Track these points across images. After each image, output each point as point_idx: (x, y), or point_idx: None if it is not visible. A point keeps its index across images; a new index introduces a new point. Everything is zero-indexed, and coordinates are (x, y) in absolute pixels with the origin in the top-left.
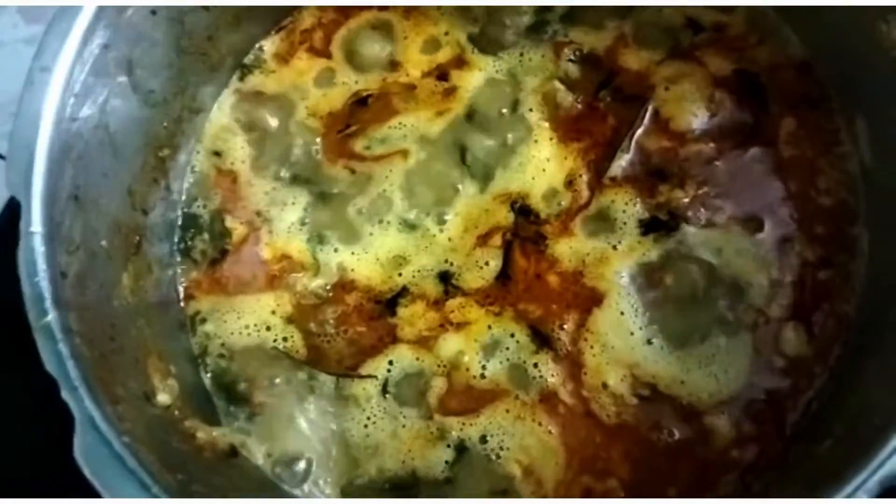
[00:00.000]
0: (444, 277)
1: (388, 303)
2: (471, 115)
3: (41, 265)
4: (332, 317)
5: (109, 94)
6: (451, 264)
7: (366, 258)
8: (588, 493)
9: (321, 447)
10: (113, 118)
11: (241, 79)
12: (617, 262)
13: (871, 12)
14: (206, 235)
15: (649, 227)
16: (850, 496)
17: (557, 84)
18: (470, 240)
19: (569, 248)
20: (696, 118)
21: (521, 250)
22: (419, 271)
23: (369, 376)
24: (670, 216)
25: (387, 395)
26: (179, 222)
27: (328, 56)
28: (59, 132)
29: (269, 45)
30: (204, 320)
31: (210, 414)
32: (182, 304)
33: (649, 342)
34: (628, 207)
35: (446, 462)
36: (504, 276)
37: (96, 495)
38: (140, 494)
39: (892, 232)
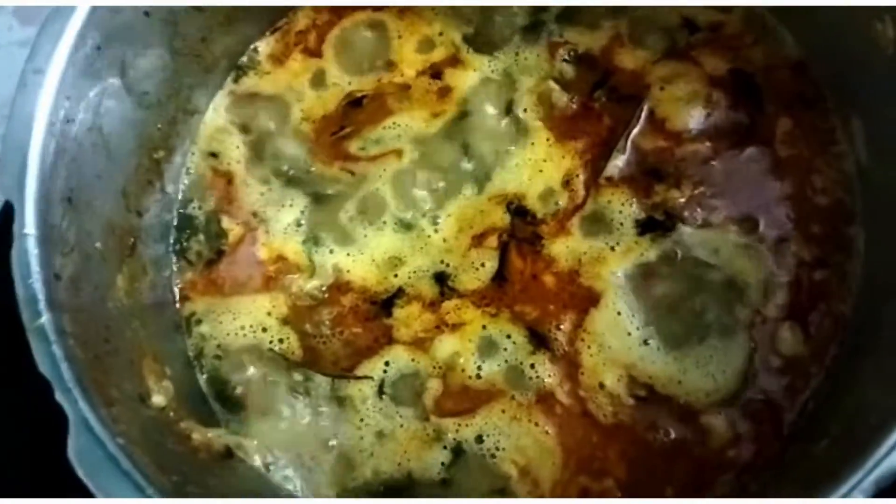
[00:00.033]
0: (440, 278)
1: (384, 304)
2: (466, 116)
3: (35, 267)
4: (328, 318)
5: (103, 96)
6: (447, 265)
7: (361, 259)
8: (585, 493)
9: (317, 448)
10: (107, 120)
11: (236, 80)
12: (613, 262)
13: (866, 12)
14: (201, 236)
15: (646, 227)
16: (846, 496)
17: (552, 84)
18: (465, 240)
19: (565, 248)
20: (692, 118)
21: (517, 251)
22: (415, 272)
23: (365, 377)
24: (667, 216)
25: (383, 397)
26: (175, 223)
27: (322, 57)
28: (53, 134)
29: (264, 47)
30: (199, 322)
31: (205, 415)
32: (177, 305)
33: (646, 342)
34: (624, 208)
35: (442, 463)
36: (500, 277)
37: (90, 496)
38: (134, 496)
39: (889, 231)
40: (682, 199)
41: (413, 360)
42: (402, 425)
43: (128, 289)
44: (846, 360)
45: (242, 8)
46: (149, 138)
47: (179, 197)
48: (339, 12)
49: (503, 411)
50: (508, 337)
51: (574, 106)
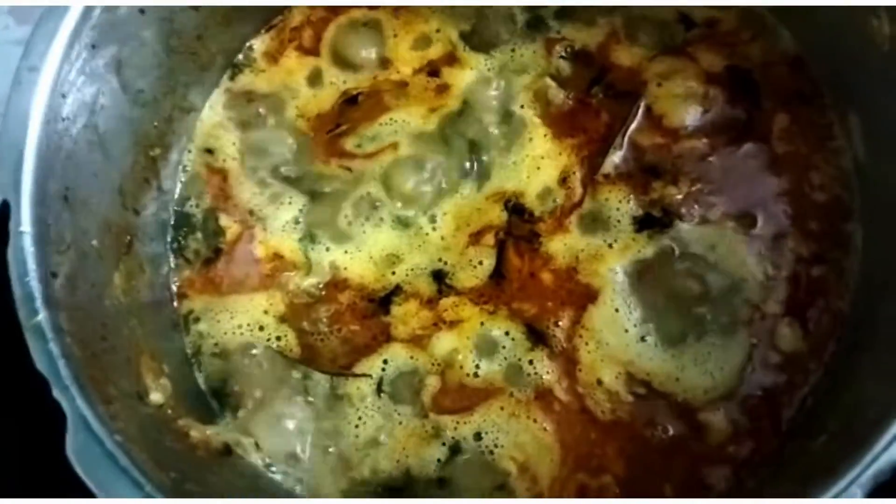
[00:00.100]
0: (438, 276)
1: (382, 301)
2: (463, 113)
3: (31, 265)
4: (326, 315)
5: (98, 94)
6: (445, 263)
7: (359, 256)
8: (583, 490)
9: (315, 446)
10: (102, 118)
11: (232, 78)
12: (611, 259)
13: (863, 8)
14: (199, 234)
15: (643, 224)
16: (844, 491)
17: (549, 81)
18: (462, 238)
19: (563, 245)
20: (689, 114)
21: (514, 249)
22: (412, 270)
23: (364, 375)
24: (664, 213)
25: (381, 394)
26: (172, 221)
27: (317, 55)
28: (48, 132)
29: (259, 44)
30: (197, 319)
31: (203, 413)
32: (175, 303)
33: (643, 339)
34: (622, 204)
35: (440, 460)
36: (498, 274)
37: (89, 494)
38: (133, 493)
39: (886, 228)
40: (680, 196)
41: (411, 357)
42: (400, 423)
43: (125, 287)
44: (844, 356)
45: (238, 6)
46: (145, 136)
47: (176, 195)
48: (334, 10)
49: (501, 408)
50: (507, 334)
51: (571, 103)
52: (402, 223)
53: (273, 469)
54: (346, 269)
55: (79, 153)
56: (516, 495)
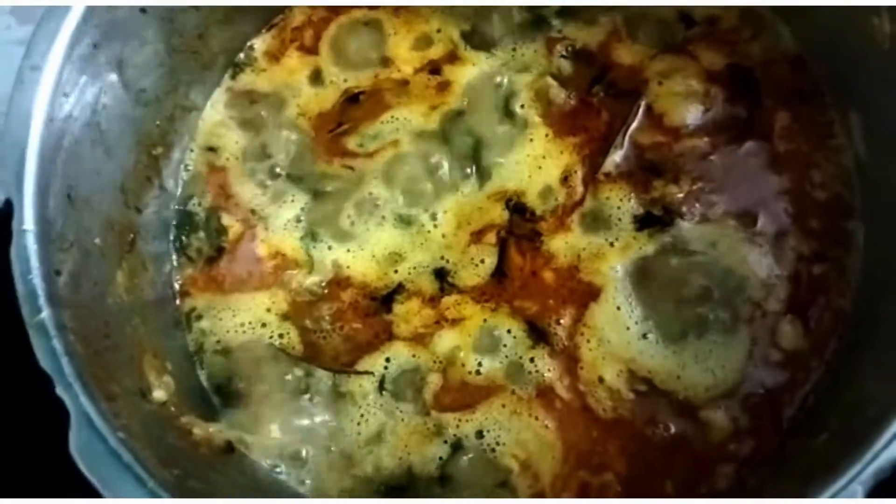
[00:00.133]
0: (440, 274)
1: (384, 299)
2: (464, 112)
3: (34, 263)
4: (328, 313)
5: (100, 93)
6: (447, 261)
7: (361, 255)
8: (585, 487)
9: (318, 443)
10: (104, 117)
11: (233, 77)
12: (612, 258)
13: (863, 6)
14: (201, 233)
15: (644, 222)
16: (844, 488)
17: (550, 80)
18: (464, 237)
19: (564, 244)
20: (690, 113)
21: (516, 247)
22: (415, 268)
23: (366, 372)
24: (665, 211)
25: (383, 392)
26: (174, 220)
27: (318, 54)
28: (51, 131)
29: (260, 44)
30: (200, 317)
31: (206, 410)
32: (177, 301)
33: (645, 337)
34: (623, 203)
35: (440, 458)
36: (500, 273)
37: (92, 490)
38: (136, 489)
39: (887, 226)
40: (681, 195)
41: (413, 355)
42: (402, 420)
43: (128, 285)
44: (846, 354)
45: (239, 5)
46: (147, 135)
47: (178, 193)
48: (334, 9)
49: (503, 406)
50: (508, 332)
51: (572, 102)
52: (404, 221)
53: (275, 467)
54: (348, 267)
55: (81, 152)
56: (518, 493)
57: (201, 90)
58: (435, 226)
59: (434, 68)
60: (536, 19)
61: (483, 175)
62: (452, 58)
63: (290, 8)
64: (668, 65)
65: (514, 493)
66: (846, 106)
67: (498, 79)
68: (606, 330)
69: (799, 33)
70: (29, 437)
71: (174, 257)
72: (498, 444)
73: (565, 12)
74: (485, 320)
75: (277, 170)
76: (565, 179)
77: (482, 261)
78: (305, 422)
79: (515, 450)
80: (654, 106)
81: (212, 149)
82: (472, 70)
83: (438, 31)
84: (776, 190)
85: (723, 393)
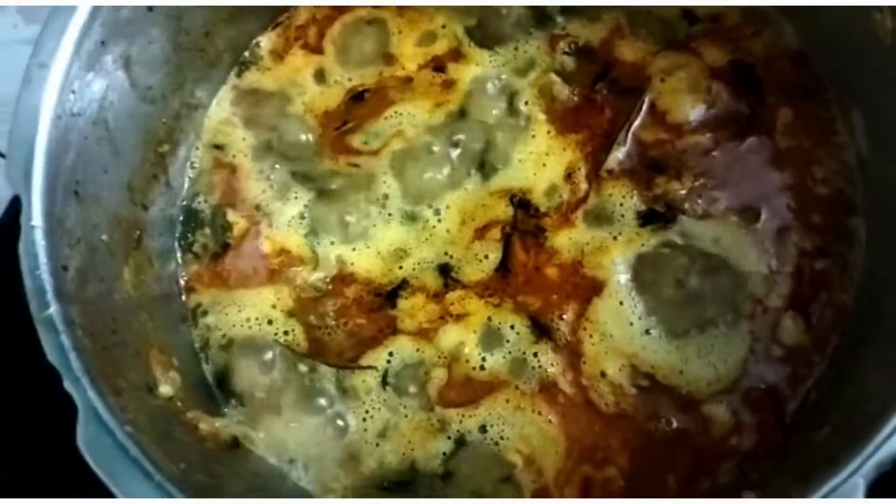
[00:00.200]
0: (444, 270)
1: (389, 295)
2: (468, 109)
3: (42, 258)
4: (332, 309)
5: (108, 91)
6: (451, 257)
7: (366, 251)
8: (588, 482)
9: (322, 439)
10: (111, 114)
11: (239, 75)
12: (616, 253)
13: (865, 3)
14: (207, 230)
15: (647, 219)
16: (846, 481)
17: (553, 77)
18: (468, 233)
19: (568, 240)
20: (693, 110)
21: (520, 243)
22: (419, 264)
23: (369, 367)
24: (668, 208)
25: (387, 387)
26: (180, 217)
27: (322, 52)
28: (58, 128)
29: (266, 42)
30: (205, 313)
31: (212, 405)
32: (183, 297)
33: (648, 332)
34: (626, 200)
35: (444, 454)
36: (503, 268)
37: (99, 483)
38: (143, 482)
39: (889, 222)
40: (683, 191)
41: (417, 350)
42: (406, 415)
43: (134, 281)
44: (848, 349)
45: (244, 4)
46: (153, 132)
47: (184, 191)
48: (339, 8)
49: (507, 401)
50: (512, 327)
51: (575, 98)
52: (409, 217)
53: (280, 461)
54: (352, 263)
55: (88, 149)
56: (522, 487)
57: (207, 88)
58: (439, 221)
59: (438, 65)
60: (540, 16)
61: (487, 171)
62: (456, 55)
63: (294, 7)
64: (671, 62)
65: (517, 488)
66: (848, 102)
67: (502, 76)
68: (609, 325)
69: (801, 30)
70: (37, 431)
71: (180, 254)
72: (501, 438)
73: (569, 9)
74: (489, 316)
75: (282, 167)
76: (569, 176)
77: (486, 256)
78: (310, 418)
79: (519, 444)
80: (657, 103)
81: (218, 146)
82: (475, 68)
83: (443, 26)
84: (778, 186)
85: (725, 388)
